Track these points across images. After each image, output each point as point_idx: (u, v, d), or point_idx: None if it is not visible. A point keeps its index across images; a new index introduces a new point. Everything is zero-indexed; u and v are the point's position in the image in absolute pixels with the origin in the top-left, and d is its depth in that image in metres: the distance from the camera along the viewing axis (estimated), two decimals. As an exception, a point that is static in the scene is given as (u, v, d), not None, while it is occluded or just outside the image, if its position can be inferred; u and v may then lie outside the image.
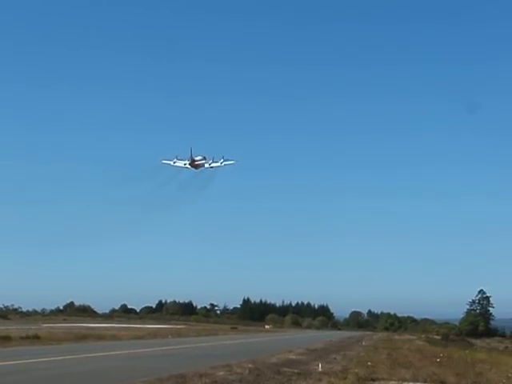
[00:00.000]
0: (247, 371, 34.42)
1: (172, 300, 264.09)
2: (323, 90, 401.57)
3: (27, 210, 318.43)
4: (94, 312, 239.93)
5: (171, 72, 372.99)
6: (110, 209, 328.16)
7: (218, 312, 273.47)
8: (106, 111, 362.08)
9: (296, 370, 36.59)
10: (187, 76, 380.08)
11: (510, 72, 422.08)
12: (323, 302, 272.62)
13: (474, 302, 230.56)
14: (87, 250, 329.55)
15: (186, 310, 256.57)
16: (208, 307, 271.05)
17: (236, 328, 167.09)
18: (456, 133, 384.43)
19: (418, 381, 34.19)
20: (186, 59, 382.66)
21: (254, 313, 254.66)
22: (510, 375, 41.77)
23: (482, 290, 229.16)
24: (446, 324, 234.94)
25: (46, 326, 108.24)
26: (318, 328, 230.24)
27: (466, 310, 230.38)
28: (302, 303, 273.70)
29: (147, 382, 27.44)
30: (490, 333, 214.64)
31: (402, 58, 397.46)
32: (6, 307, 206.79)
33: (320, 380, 32.20)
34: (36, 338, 61.89)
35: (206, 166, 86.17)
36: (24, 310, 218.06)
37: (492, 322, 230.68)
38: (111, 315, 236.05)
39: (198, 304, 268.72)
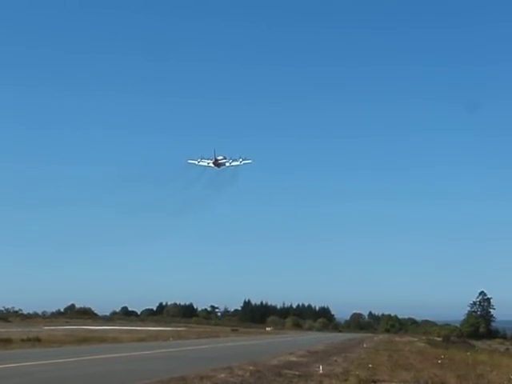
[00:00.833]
0: (248, 373, 34.42)
1: (173, 302, 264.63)
2: (323, 93, 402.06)
3: (29, 212, 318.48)
4: (95, 314, 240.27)
5: (174, 74, 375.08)
6: (111, 214, 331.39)
7: (219, 314, 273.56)
8: (118, 115, 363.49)
9: (297, 372, 36.58)
10: (189, 79, 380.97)
11: (510, 74, 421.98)
12: (324, 304, 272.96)
13: (474, 303, 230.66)
14: (88, 253, 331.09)
15: (186, 313, 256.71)
16: (209, 309, 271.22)
17: (237, 330, 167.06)
18: (456, 135, 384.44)
19: (419, 383, 34.19)
20: (188, 61, 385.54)
21: (255, 315, 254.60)
22: (511, 377, 41.76)
23: (482, 292, 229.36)
24: (446, 326, 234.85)
25: (46, 329, 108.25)
26: (318, 330, 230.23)
27: (466, 312, 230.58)
28: (303, 305, 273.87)
29: (148, 385, 27.45)
30: (491, 334, 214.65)
31: (402, 60, 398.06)
32: (7, 310, 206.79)
33: (321, 382, 32.21)
34: (37, 340, 61.85)
35: (227, 164, 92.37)
36: (25, 312, 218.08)
37: (493, 324, 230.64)
38: (112, 318, 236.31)
39: (199, 306, 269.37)
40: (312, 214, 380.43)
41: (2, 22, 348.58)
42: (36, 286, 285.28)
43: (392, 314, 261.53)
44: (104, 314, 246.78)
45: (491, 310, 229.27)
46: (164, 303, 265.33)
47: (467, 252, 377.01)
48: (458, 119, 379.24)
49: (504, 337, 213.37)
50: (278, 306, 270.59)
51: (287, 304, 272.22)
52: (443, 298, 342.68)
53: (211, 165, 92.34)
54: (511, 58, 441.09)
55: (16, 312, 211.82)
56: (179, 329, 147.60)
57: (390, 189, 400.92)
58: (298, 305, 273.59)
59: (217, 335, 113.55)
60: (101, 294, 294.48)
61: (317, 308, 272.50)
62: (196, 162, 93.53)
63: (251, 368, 36.87)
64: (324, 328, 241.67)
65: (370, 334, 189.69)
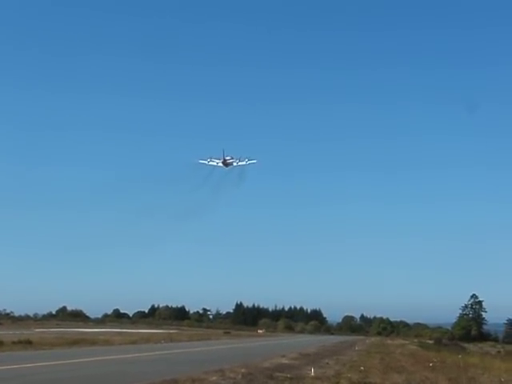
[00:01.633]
0: (240, 376, 34.38)
1: (165, 305, 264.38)
2: (323, 95, 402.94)
3: (21, 215, 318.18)
4: (87, 317, 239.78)
5: (176, 77, 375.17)
6: (105, 218, 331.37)
7: (211, 317, 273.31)
8: (120, 117, 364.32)
9: (289, 375, 36.55)
10: (191, 81, 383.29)
11: (510, 75, 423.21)
12: (316, 307, 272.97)
13: (466, 306, 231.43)
14: (80, 256, 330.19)
15: (178, 315, 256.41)
16: (201, 312, 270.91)
17: (229, 333, 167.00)
18: (455, 137, 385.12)
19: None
20: (191, 64, 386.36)
21: (247, 317, 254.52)
22: (502, 380, 41.84)
23: (474, 295, 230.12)
24: (438, 328, 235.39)
25: (38, 331, 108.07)
26: (310, 332, 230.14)
27: (458, 315, 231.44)
28: (295, 308, 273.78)
29: (140, 387, 27.38)
30: (483, 337, 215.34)
31: (403, 62, 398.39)
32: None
33: (313, 385, 32.19)
34: (28, 342, 61.66)
35: (235, 164, 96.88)
36: (16, 314, 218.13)
37: (484, 327, 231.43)
38: (104, 320, 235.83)
39: (191, 309, 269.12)
40: (304, 217, 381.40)
41: (2, 25, 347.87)
42: (27, 289, 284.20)
43: (384, 317, 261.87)
44: (96, 316, 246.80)
45: (483, 313, 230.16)
46: (156, 306, 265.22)
47: (459, 255, 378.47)
48: (457, 121, 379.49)
49: (495, 339, 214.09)
50: (270, 309, 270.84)
51: (279, 306, 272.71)
52: (435, 301, 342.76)
53: (220, 164, 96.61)
54: (511, 59, 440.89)
55: (7, 314, 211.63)
56: (171, 331, 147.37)
57: (383, 191, 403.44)
58: (290, 307, 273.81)
59: (209, 338, 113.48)
60: (92, 297, 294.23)
61: (309, 311, 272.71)
62: (206, 162, 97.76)
63: (243, 370, 36.84)
64: (316, 331, 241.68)
65: (361, 337, 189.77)
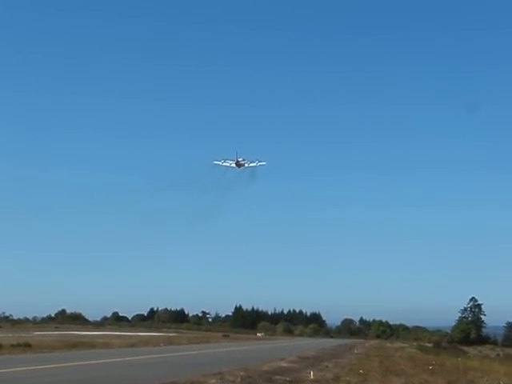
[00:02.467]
0: (239, 379, 34.35)
1: (164, 308, 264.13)
2: (322, 97, 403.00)
3: (21, 217, 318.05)
4: (86, 320, 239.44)
5: (181, 80, 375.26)
6: (104, 221, 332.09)
7: (210, 320, 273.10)
8: (129, 120, 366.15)
9: (288, 378, 36.52)
10: (196, 84, 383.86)
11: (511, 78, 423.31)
12: (315, 310, 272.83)
13: (465, 309, 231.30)
14: (79, 259, 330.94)
15: (177, 318, 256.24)
16: (200, 315, 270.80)
17: (228, 336, 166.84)
18: (454, 140, 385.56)
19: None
20: (191, 66, 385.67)
21: (246, 320, 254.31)
22: (501, 383, 41.84)
23: (473, 298, 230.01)
24: (437, 331, 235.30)
25: (37, 334, 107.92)
26: (310, 336, 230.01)
27: (457, 318, 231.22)
28: (294, 311, 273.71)
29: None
30: (482, 340, 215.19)
31: (404, 64, 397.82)
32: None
33: (312, 388, 32.18)
34: (27, 345, 61.60)
35: (246, 165, 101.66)
36: (15, 317, 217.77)
37: (484, 330, 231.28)
38: (103, 323, 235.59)
39: (190, 312, 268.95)
40: (303, 220, 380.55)
41: (2, 27, 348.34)
42: (26, 291, 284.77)
43: (383, 320, 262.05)
44: (95, 319, 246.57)
45: (482, 316, 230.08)
46: (155, 309, 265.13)
47: (458, 258, 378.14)
48: (458, 124, 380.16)
49: (495, 343, 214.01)
50: (269, 312, 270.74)
51: (278, 310, 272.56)
52: (434, 304, 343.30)
53: (233, 165, 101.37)
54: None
55: (6, 317, 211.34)
56: (170, 334, 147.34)
57: (382, 194, 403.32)
58: (289, 310, 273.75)
59: (208, 341, 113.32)
60: (92, 300, 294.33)
61: (308, 314, 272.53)
62: (220, 163, 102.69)
63: (242, 374, 36.79)
64: (315, 334, 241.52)
65: (361, 340, 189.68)
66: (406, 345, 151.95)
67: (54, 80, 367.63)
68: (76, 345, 69.15)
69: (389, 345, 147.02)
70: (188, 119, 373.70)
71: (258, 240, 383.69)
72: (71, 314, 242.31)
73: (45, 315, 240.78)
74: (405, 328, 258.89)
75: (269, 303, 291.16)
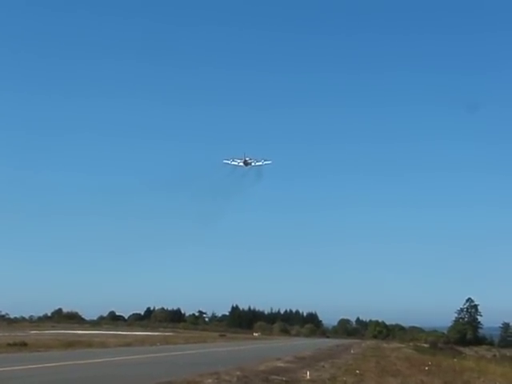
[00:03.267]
0: (235, 379, 34.34)
1: (160, 307, 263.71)
2: (322, 99, 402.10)
3: (16, 217, 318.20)
4: (82, 319, 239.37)
5: (181, 80, 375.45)
6: (101, 221, 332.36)
7: (207, 319, 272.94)
8: (135, 121, 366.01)
9: (284, 378, 36.52)
10: (197, 85, 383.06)
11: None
12: (312, 310, 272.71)
13: (462, 310, 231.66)
14: (75, 258, 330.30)
15: (174, 318, 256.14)
16: (196, 314, 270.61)
17: (224, 335, 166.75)
18: (453, 141, 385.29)
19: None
20: (191, 66, 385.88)
21: (243, 320, 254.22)
22: (497, 383, 41.88)
23: (469, 299, 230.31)
24: (434, 332, 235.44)
25: (33, 333, 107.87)
26: (306, 336, 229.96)
27: (454, 319, 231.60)
28: (291, 311, 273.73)
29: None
30: (478, 341, 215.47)
31: (404, 66, 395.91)
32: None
33: (308, 388, 32.16)
34: (23, 344, 61.54)
35: (253, 164, 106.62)
36: (11, 316, 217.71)
37: (480, 331, 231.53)
38: (99, 322, 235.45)
39: (187, 311, 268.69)
40: (299, 221, 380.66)
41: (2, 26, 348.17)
42: (23, 290, 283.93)
43: (380, 320, 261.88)
44: (91, 318, 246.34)
45: (478, 317, 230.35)
46: (151, 308, 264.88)
47: (455, 258, 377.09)
48: (457, 125, 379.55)
49: (491, 343, 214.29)
50: (266, 312, 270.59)
51: (275, 309, 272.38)
52: (431, 305, 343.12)
53: (241, 164, 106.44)
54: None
55: (2, 316, 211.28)
56: (166, 334, 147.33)
57: (378, 195, 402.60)
58: (286, 310, 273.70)
59: (204, 340, 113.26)
60: (88, 299, 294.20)
61: (304, 314, 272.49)
62: (229, 162, 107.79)
63: (238, 373, 36.78)
64: (311, 334, 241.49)
65: (357, 340, 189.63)
66: (403, 345, 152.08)
67: (50, 81, 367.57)
68: (72, 344, 69.07)
69: (385, 345, 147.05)
70: (189, 120, 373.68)
71: (255, 240, 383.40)
72: (68, 313, 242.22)
73: (41, 314, 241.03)
74: (401, 328, 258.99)
75: (265, 303, 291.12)
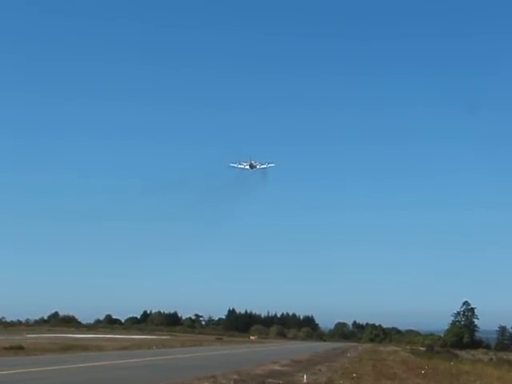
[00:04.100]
0: (232, 382, 34.38)
1: (157, 311, 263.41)
2: (321, 101, 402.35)
3: (13, 221, 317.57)
4: (79, 322, 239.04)
5: (184, 83, 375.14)
6: (97, 224, 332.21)
7: (203, 323, 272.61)
8: (141, 125, 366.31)
9: (281, 382, 36.56)
10: (198, 87, 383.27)
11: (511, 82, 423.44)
12: (308, 313, 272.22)
13: (458, 313, 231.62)
14: (71, 261, 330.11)
15: (170, 321, 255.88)
16: (193, 318, 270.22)
17: (221, 339, 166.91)
18: (452, 144, 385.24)
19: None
20: (194, 70, 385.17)
21: (239, 323, 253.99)
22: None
23: (466, 302, 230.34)
24: (430, 335, 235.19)
25: (30, 337, 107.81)
26: (303, 339, 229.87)
27: (450, 322, 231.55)
28: (288, 314, 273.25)
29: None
30: (475, 344, 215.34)
31: (404, 69, 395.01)
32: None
33: (305, 391, 32.18)
34: (20, 348, 61.53)
35: (258, 167, 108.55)
36: (8, 320, 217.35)
37: (477, 334, 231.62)
38: (96, 326, 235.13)
39: (183, 315, 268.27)
40: (296, 225, 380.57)
41: (3, 32, 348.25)
42: (19, 294, 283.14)
43: (376, 324, 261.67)
44: (88, 321, 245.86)
45: (475, 320, 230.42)
46: (148, 311, 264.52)
47: (451, 262, 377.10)
48: (457, 128, 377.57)
49: (488, 347, 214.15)
50: (263, 315, 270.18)
51: (271, 313, 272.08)
52: (427, 308, 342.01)
53: (247, 167, 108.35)
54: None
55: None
56: (163, 337, 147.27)
57: (376, 198, 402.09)
58: (283, 314, 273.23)
59: (201, 344, 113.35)
60: (85, 302, 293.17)
61: (301, 317, 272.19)
62: (236, 165, 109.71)
63: (235, 377, 36.81)
64: (308, 337, 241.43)
65: (354, 344, 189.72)
66: (399, 348, 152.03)
67: (51, 84, 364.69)
68: (69, 347, 69.11)
69: (382, 348, 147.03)
70: (192, 123, 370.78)
71: (251, 244, 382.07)
72: (64, 316, 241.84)
73: (38, 318, 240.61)
74: (398, 332, 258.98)
75: (262, 306, 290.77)
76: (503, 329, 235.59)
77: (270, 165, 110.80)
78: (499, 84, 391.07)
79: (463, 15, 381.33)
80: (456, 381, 45.05)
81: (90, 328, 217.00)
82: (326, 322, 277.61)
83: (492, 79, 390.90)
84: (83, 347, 72.46)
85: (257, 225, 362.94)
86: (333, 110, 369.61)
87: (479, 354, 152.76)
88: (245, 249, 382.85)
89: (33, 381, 31.62)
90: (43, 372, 36.66)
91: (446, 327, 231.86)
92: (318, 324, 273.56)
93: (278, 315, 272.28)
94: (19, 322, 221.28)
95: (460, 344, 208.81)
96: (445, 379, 45.62)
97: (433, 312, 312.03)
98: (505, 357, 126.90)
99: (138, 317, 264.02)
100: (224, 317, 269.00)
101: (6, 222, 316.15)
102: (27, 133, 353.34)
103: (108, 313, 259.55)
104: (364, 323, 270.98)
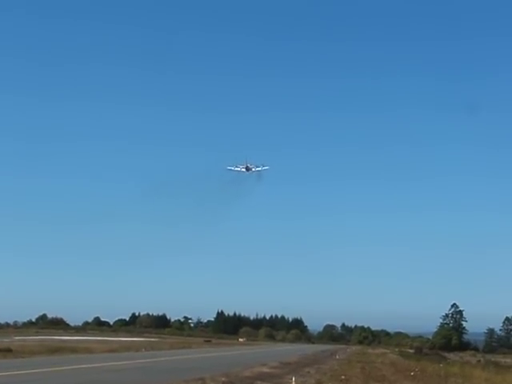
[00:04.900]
0: (221, 385, 34.34)
1: (145, 313, 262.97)
2: (320, 103, 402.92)
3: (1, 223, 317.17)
4: (67, 325, 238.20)
5: (188, 86, 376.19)
6: (86, 225, 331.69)
7: (192, 325, 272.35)
8: (138, 127, 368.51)
9: (269, 384, 36.54)
10: (196, 91, 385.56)
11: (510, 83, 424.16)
12: (297, 316, 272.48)
13: (447, 315, 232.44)
14: (60, 263, 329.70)
15: (159, 323, 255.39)
16: (182, 320, 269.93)
17: (210, 341, 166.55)
18: (452, 145, 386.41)
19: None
20: (198, 73, 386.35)
21: (228, 326, 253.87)
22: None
23: (455, 304, 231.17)
24: (419, 338, 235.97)
25: (18, 339, 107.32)
26: (291, 341, 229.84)
27: (439, 324, 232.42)
28: (276, 316, 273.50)
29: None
30: (463, 346, 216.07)
31: (403, 71, 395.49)
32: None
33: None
34: (8, 350, 61.31)
35: (253, 169, 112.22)
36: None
37: (465, 336, 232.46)
38: (84, 328, 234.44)
39: (172, 317, 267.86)
40: (284, 227, 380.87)
41: (7, 36, 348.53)
42: (7, 296, 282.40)
43: (365, 326, 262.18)
44: (76, 324, 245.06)
45: (463, 323, 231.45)
46: (137, 314, 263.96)
47: (440, 264, 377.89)
48: (455, 130, 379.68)
49: (476, 349, 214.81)
50: (251, 317, 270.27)
51: (260, 315, 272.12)
52: (416, 310, 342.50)
53: (243, 170, 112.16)
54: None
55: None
56: (152, 339, 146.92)
57: (364, 201, 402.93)
58: (271, 316, 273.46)
59: (189, 346, 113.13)
60: (73, 304, 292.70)
61: (290, 319, 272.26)
62: (233, 168, 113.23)
63: (224, 379, 36.76)
64: (297, 339, 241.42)
65: (342, 346, 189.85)
66: (388, 351, 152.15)
67: (52, 87, 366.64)
68: (57, 350, 68.87)
69: (370, 351, 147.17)
70: (188, 125, 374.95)
71: (240, 247, 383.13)
72: (52, 318, 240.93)
73: (26, 320, 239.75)
74: (386, 334, 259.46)
75: (251, 308, 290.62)
76: (491, 331, 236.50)
77: (265, 168, 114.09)
78: (499, 85, 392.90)
79: (463, 16, 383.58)
80: (444, 383, 45.15)
81: (78, 330, 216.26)
82: (314, 325, 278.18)
83: (492, 81, 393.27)
84: (72, 349, 72.22)
85: (245, 228, 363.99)
86: (332, 113, 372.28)
87: (467, 356, 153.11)
88: (233, 252, 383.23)
89: (21, 383, 31.49)
90: (32, 375, 36.50)
91: (435, 329, 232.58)
92: (306, 326, 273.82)
93: (267, 317, 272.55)
94: (7, 324, 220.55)
95: (448, 346, 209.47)
96: (433, 381, 45.73)
97: (421, 314, 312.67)
98: (493, 359, 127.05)
99: (127, 319, 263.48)
100: (213, 319, 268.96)
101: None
102: (27, 136, 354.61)
103: (97, 315, 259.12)
104: (353, 325, 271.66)
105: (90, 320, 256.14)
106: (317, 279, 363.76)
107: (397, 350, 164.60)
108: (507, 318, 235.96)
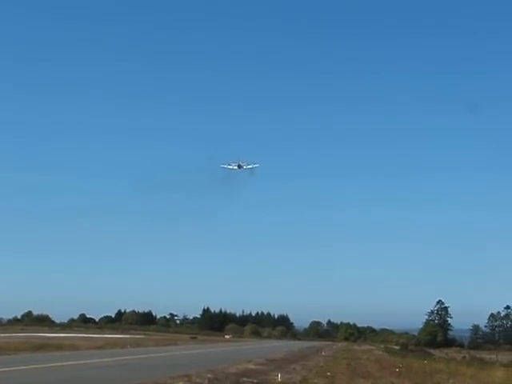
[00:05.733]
0: (206, 381, 34.28)
1: (131, 310, 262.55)
2: (321, 99, 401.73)
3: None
4: (53, 322, 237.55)
5: (180, 82, 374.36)
6: (71, 221, 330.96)
7: (178, 322, 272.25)
8: (133, 123, 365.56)
9: (255, 381, 36.51)
10: (190, 87, 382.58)
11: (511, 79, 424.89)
12: (283, 312, 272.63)
13: (432, 312, 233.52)
14: (45, 260, 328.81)
15: (145, 320, 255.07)
16: (167, 317, 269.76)
17: (195, 338, 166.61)
18: (452, 141, 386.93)
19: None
20: (190, 69, 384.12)
21: (214, 322, 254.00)
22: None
23: (440, 301, 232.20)
24: (404, 334, 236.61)
25: (2, 336, 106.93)
26: (277, 338, 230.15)
27: (424, 321, 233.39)
28: (262, 313, 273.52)
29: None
30: (448, 343, 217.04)
31: (403, 66, 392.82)
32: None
33: (279, 390, 32.13)
34: (-8, 347, 61.03)
35: (245, 167, 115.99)
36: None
37: (450, 333, 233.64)
38: (70, 325, 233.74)
39: (158, 314, 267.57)
40: (270, 223, 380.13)
41: (4, 31, 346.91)
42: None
43: (351, 323, 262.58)
44: (62, 321, 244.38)
45: (448, 319, 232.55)
46: (122, 310, 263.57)
47: (425, 260, 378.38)
48: (456, 125, 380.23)
49: (461, 345, 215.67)
50: (237, 314, 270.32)
51: (246, 312, 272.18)
52: (401, 307, 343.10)
53: (235, 167, 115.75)
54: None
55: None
56: (137, 336, 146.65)
57: (354, 196, 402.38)
58: (257, 313, 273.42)
59: (175, 343, 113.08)
60: (58, 301, 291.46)
61: (276, 316, 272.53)
62: (226, 166, 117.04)
63: (209, 376, 36.69)
64: (283, 336, 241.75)
65: (328, 342, 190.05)
66: (374, 347, 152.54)
67: (51, 83, 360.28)
68: (42, 347, 68.60)
69: (356, 347, 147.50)
70: (182, 121, 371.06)
71: (226, 243, 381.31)
72: (38, 315, 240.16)
73: (11, 317, 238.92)
74: (372, 330, 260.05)
75: (237, 305, 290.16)
76: (476, 327, 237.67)
77: (255, 165, 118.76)
78: (499, 82, 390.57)
79: (463, 12, 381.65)
80: (430, 379, 45.22)
81: (63, 327, 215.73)
82: (300, 321, 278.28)
83: (492, 77, 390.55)
84: (57, 346, 71.94)
85: (231, 223, 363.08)
86: (331, 108, 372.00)
87: (453, 352, 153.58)
88: (219, 247, 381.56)
89: (5, 380, 31.30)
90: (16, 372, 36.32)
91: (420, 326, 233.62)
92: (292, 323, 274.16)
93: (253, 314, 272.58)
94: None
95: (434, 343, 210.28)
96: (419, 378, 45.78)
97: (407, 311, 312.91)
98: (478, 355, 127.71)
99: (113, 316, 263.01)
100: (199, 316, 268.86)
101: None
102: (25, 133, 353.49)
103: (82, 312, 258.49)
104: (339, 322, 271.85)
105: (75, 317, 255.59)
106: (302, 276, 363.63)
107: (382, 346, 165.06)
108: (492, 315, 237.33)
